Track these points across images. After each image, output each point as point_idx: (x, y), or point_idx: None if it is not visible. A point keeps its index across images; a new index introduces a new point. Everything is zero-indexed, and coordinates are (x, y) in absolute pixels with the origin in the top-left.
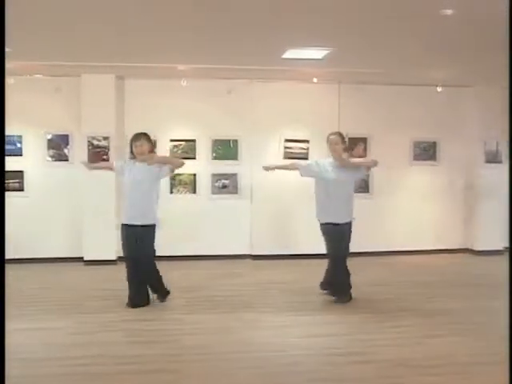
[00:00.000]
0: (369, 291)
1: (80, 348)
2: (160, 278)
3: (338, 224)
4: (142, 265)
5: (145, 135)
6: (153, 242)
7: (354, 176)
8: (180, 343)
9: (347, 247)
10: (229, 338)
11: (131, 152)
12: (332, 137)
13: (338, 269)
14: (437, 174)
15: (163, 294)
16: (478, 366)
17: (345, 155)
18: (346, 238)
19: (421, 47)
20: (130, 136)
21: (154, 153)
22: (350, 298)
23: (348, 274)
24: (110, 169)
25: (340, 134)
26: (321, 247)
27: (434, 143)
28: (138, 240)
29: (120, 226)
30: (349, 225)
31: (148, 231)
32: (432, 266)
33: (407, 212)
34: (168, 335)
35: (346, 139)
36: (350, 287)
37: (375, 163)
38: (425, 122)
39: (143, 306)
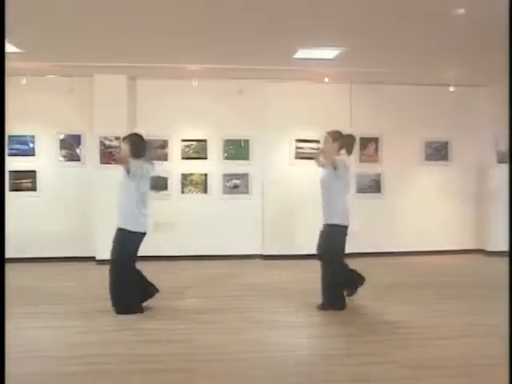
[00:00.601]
0: (380, 292)
1: (91, 347)
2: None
3: (325, 224)
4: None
5: (124, 138)
6: (118, 246)
7: (330, 176)
8: (191, 343)
9: (325, 251)
10: (239, 337)
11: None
12: (324, 135)
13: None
14: (449, 174)
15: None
16: (490, 367)
17: (339, 154)
18: (321, 240)
19: (433, 47)
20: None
21: (129, 156)
22: (332, 306)
23: (329, 280)
24: None
25: (335, 133)
26: None
27: (446, 143)
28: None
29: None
30: (326, 227)
31: (118, 234)
32: (444, 267)
33: (419, 212)
34: (179, 334)
35: (358, 139)
36: (334, 296)
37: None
38: (437, 122)
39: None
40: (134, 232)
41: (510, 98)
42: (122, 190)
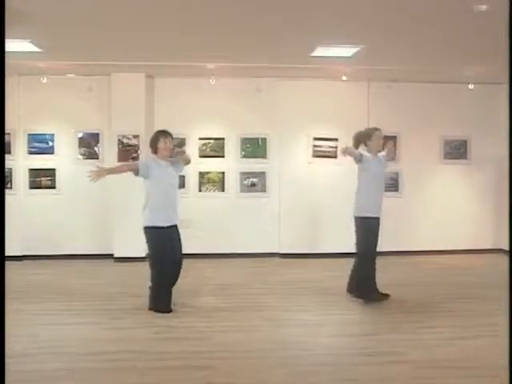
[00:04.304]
0: (399, 291)
1: (112, 343)
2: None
3: (378, 218)
4: (179, 265)
5: (170, 133)
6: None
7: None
8: (210, 340)
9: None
10: (258, 336)
11: (155, 148)
12: (378, 132)
13: (368, 265)
14: (468, 172)
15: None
16: (507, 368)
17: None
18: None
19: (452, 44)
20: None
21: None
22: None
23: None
24: (130, 170)
25: None
26: (349, 246)
27: (465, 141)
28: (174, 240)
29: (149, 230)
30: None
31: (178, 230)
32: (463, 267)
33: (437, 211)
34: (197, 332)
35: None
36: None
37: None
38: (456, 120)
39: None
40: None
41: (509, 98)
42: (176, 186)
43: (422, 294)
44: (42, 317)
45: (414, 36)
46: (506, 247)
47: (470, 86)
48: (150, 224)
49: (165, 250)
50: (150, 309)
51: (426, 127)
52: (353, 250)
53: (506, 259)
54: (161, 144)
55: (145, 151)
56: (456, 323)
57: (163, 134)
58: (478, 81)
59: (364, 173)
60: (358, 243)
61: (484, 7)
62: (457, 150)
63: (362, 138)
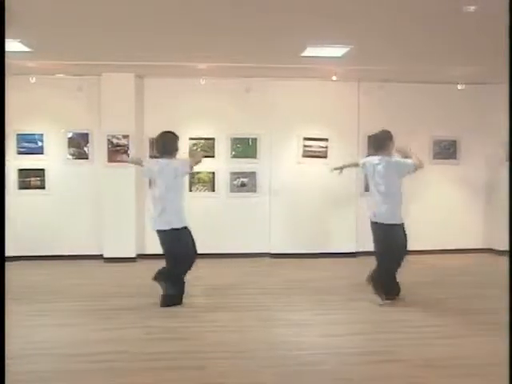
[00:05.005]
0: None
1: (103, 344)
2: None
3: None
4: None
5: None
6: None
7: None
8: (201, 341)
9: None
10: (249, 336)
11: (175, 150)
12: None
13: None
14: (457, 172)
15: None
16: (501, 366)
17: None
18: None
19: (442, 44)
20: (150, 134)
21: None
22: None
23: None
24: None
25: None
26: (340, 246)
27: (455, 142)
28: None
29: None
30: None
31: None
32: (455, 266)
33: (426, 211)
34: (189, 332)
35: (366, 137)
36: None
37: None
38: (445, 120)
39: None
40: None
41: (509, 98)
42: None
43: (416, 294)
44: (31, 318)
45: (404, 36)
46: (496, 247)
47: (460, 87)
48: (186, 224)
49: (182, 247)
50: (168, 305)
51: (416, 127)
52: (344, 249)
53: (496, 259)
54: (178, 146)
55: (134, 151)
56: (451, 322)
57: (177, 136)
58: (467, 81)
59: (401, 179)
60: (389, 245)
61: (472, 8)
62: (446, 150)
63: (385, 140)
